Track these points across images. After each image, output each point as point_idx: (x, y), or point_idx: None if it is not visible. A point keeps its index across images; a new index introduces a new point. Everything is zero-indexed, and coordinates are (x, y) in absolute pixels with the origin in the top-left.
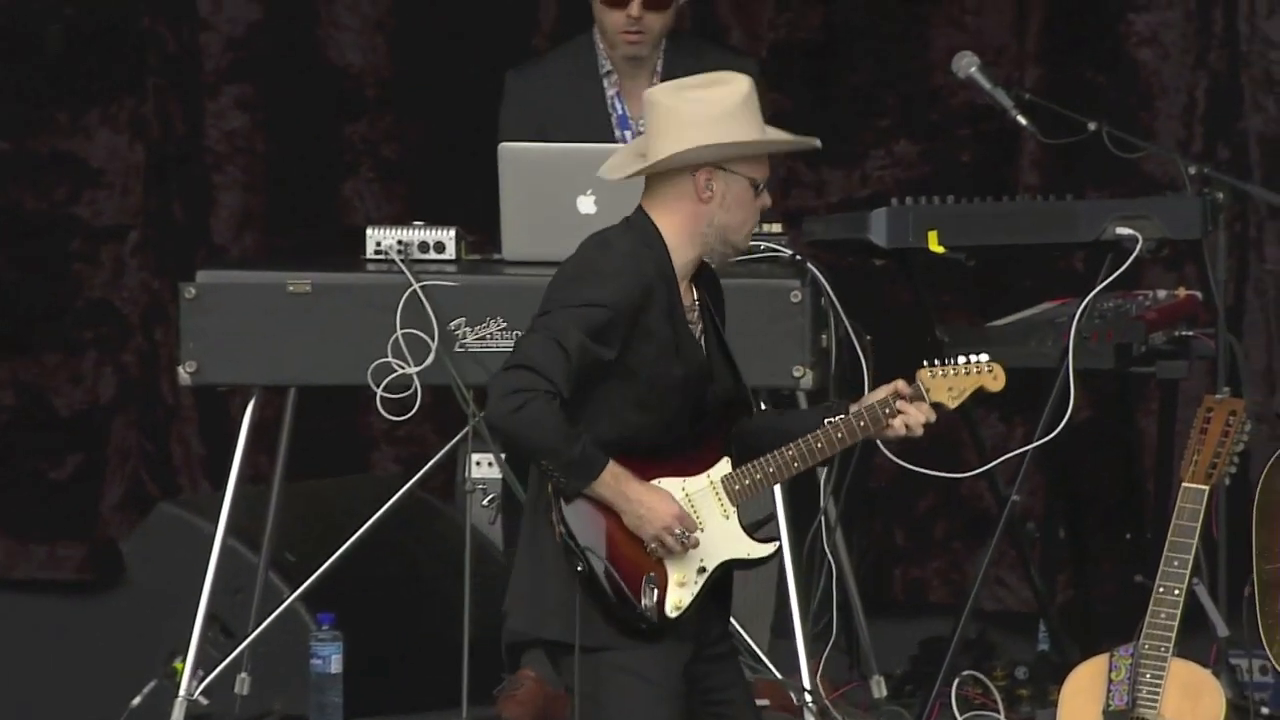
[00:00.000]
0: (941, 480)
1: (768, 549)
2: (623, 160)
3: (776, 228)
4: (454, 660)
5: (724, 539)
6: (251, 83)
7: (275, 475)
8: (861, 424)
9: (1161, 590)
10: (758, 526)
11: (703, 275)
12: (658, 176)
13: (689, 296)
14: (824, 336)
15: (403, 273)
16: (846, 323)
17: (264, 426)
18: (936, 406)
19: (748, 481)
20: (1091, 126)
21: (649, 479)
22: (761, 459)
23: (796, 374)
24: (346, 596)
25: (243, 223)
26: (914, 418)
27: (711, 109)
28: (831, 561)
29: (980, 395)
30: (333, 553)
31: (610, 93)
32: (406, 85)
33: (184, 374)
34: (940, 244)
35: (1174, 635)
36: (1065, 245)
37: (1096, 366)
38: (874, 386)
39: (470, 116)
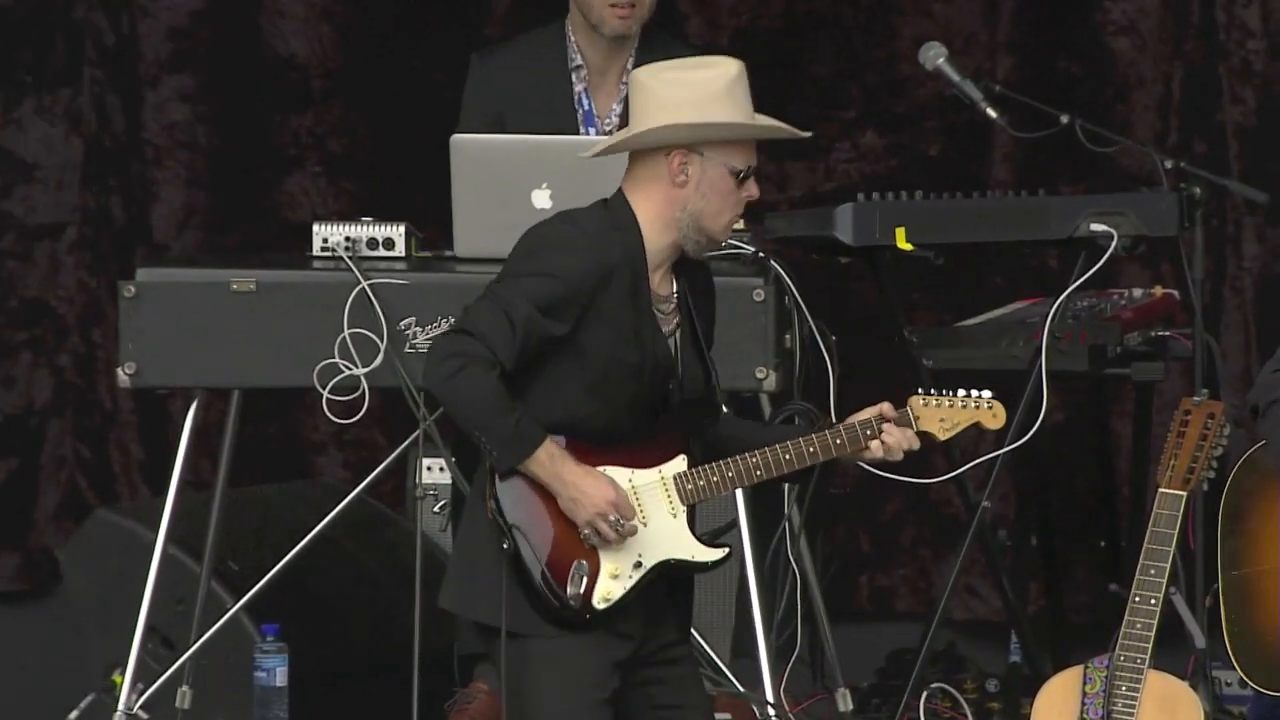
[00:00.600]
0: (909, 485)
1: (714, 554)
2: (604, 141)
3: (738, 224)
4: (404, 673)
5: (667, 537)
6: (193, 74)
7: (218, 481)
8: (838, 441)
9: (1137, 600)
10: (716, 532)
11: (692, 270)
12: (637, 159)
13: (665, 286)
14: (788, 337)
15: (350, 270)
16: (811, 322)
17: (206, 430)
18: (924, 435)
19: (702, 483)
20: (1064, 120)
21: (595, 466)
22: (722, 463)
23: (759, 375)
24: (292, 607)
25: (184, 219)
26: (894, 439)
27: (692, 90)
28: (795, 570)
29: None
30: (278, 561)
31: (578, 88)
32: (354, 76)
33: (123, 376)
34: (908, 241)
35: (1150, 646)
36: (1038, 242)
37: (1070, 368)
38: (840, 389)
39: (420, 108)
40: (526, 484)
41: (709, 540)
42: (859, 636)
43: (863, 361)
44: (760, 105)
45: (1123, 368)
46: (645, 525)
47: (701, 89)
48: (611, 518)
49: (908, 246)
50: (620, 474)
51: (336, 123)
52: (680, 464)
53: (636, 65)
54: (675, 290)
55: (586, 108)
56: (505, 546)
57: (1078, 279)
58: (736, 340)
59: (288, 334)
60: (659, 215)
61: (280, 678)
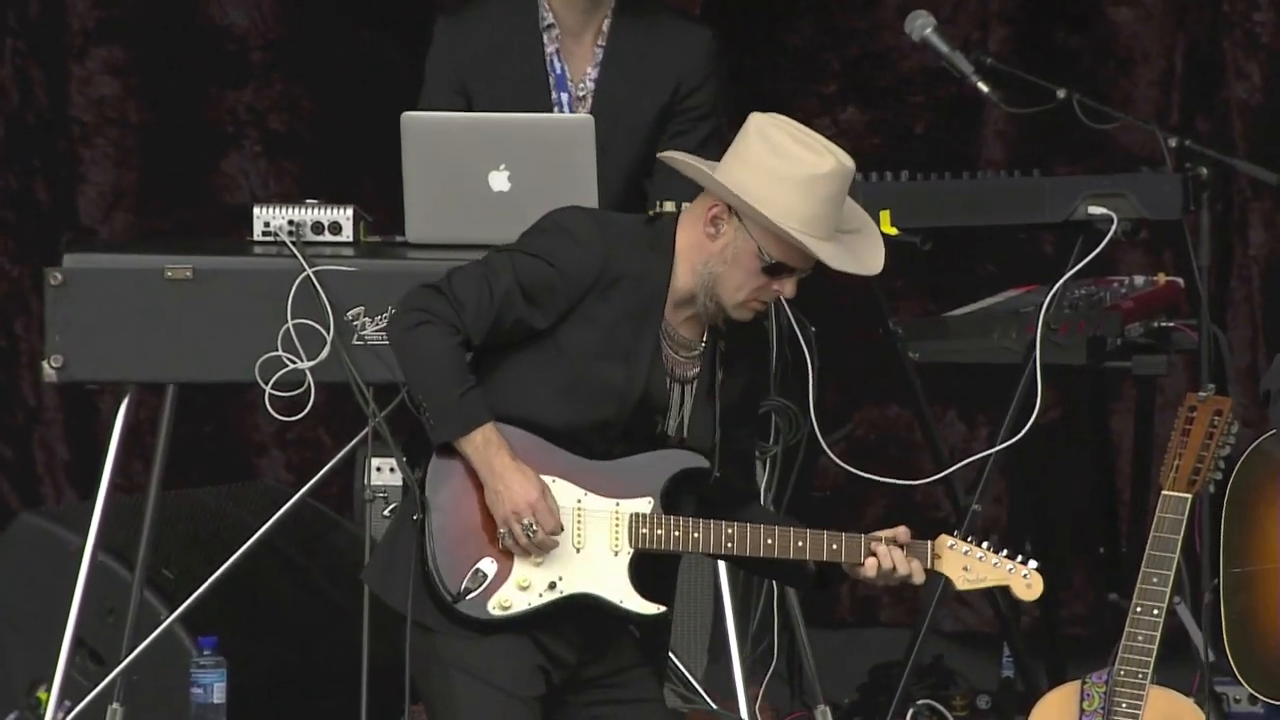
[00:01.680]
0: (893, 487)
1: (646, 607)
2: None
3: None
4: (352, 689)
5: (597, 571)
6: (123, 45)
7: (151, 483)
8: (834, 546)
9: (1139, 610)
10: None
11: (742, 332)
12: (700, 189)
13: (691, 329)
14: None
15: (294, 256)
16: (788, 312)
17: (138, 429)
18: (938, 575)
19: (659, 532)
20: (1061, 94)
21: (547, 475)
22: (694, 521)
23: None
24: (231, 618)
25: (113, 201)
26: (889, 563)
27: (776, 160)
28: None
29: (945, 393)
30: (215, 569)
31: (549, 49)
32: (297, 48)
33: (49, 370)
34: (893, 225)
35: (1153, 660)
36: (1032, 226)
37: (1066, 361)
38: (819, 383)
39: (369, 82)
40: (463, 466)
41: (642, 584)
42: (840, 649)
43: (844, 355)
44: (734, 79)
45: (1123, 361)
46: (578, 550)
47: (784, 164)
48: (525, 520)
49: (893, 230)
50: (569, 490)
51: (278, 98)
52: (643, 504)
53: (613, 28)
54: (704, 343)
55: (559, 71)
56: (415, 517)
57: (1075, 265)
58: None
59: (227, 325)
60: (689, 255)
61: (218, 694)
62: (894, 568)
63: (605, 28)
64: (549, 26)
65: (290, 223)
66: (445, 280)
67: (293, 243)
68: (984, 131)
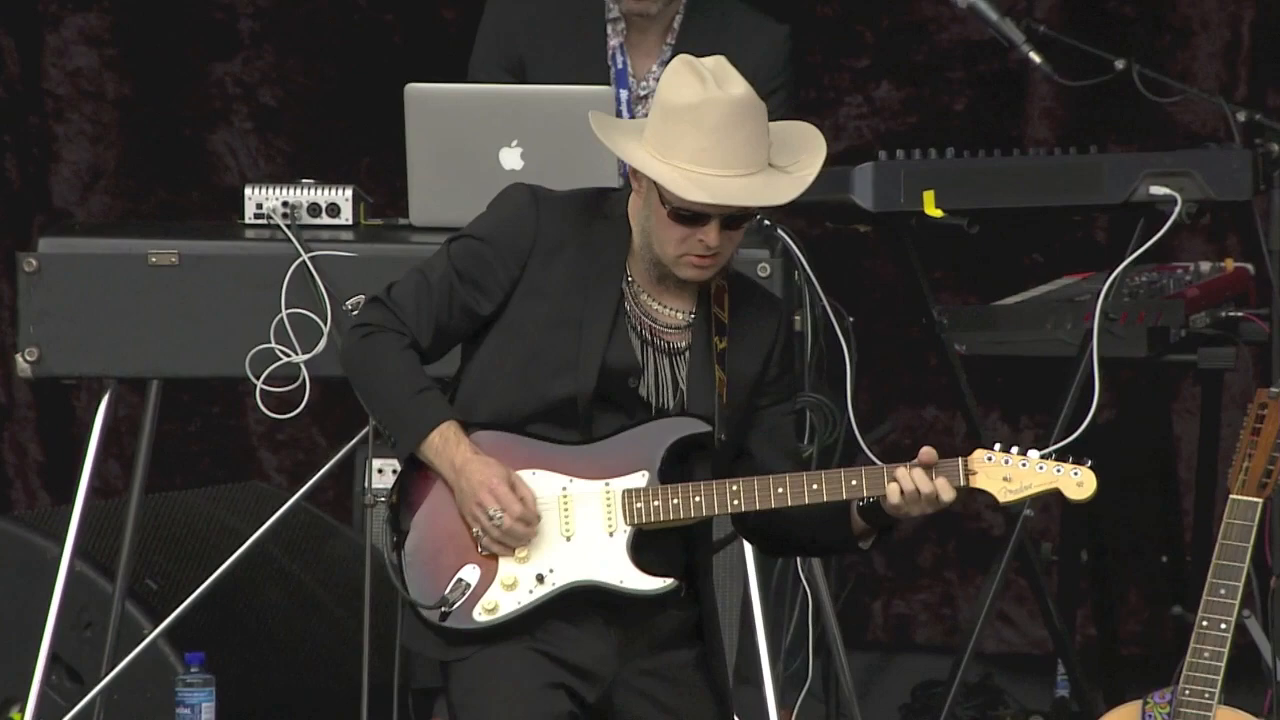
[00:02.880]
0: None
1: (650, 583)
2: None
3: None
4: (351, 710)
5: (592, 556)
6: (100, 12)
7: (133, 486)
8: (854, 482)
9: (1205, 624)
10: (715, 544)
11: (749, 301)
12: None
13: (676, 298)
14: (797, 318)
15: (289, 240)
16: (825, 301)
17: (116, 427)
18: (978, 494)
19: (656, 503)
20: (1119, 65)
21: (526, 468)
22: (692, 485)
23: None
24: (220, 632)
25: (89, 181)
26: (911, 484)
27: (662, 94)
28: (807, 590)
29: (988, 392)
30: (203, 579)
31: (613, 43)
32: (288, 15)
33: (23, 363)
34: (938, 207)
35: (1220, 679)
36: (1088, 208)
37: (1125, 354)
38: (857, 376)
39: (367, 53)
40: (431, 477)
41: (651, 569)
42: (873, 669)
43: (884, 347)
44: None
45: (1187, 354)
46: (568, 539)
47: (669, 95)
48: (491, 510)
49: (937, 213)
50: (551, 480)
51: (269, 70)
52: (637, 479)
53: (685, 23)
54: (695, 311)
55: (620, 66)
56: (395, 540)
57: (1135, 250)
58: None
59: (215, 315)
60: (635, 218)
61: (206, 714)
62: (916, 489)
63: (676, 24)
64: (615, 19)
65: (284, 204)
66: (385, 289)
67: (287, 226)
68: (1029, 109)
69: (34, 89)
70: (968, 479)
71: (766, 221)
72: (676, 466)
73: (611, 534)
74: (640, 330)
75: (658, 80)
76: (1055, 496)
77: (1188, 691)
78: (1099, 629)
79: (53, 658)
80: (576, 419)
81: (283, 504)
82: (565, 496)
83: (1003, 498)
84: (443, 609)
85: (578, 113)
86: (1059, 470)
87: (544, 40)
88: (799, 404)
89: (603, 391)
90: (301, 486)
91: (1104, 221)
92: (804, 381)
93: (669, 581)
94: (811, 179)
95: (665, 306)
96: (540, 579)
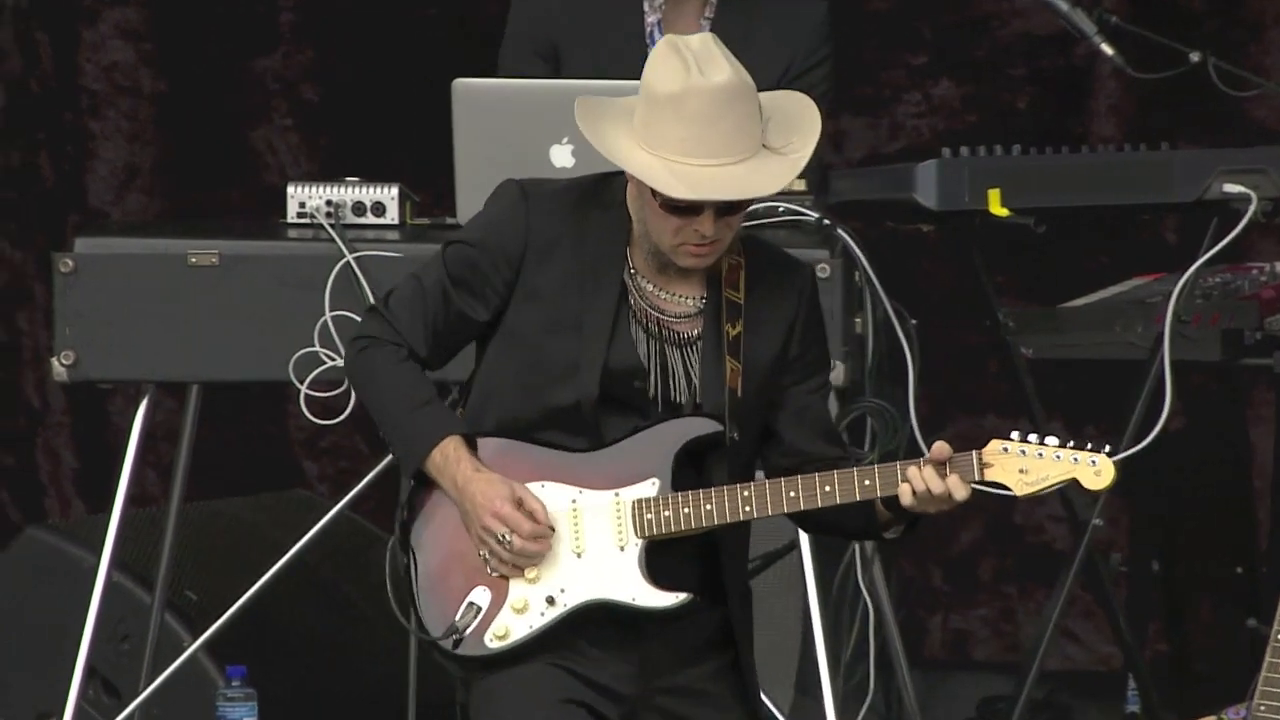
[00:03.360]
0: (990, 507)
1: (662, 599)
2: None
3: (799, 184)
4: None
5: (604, 573)
6: (137, 6)
7: (172, 494)
8: (866, 482)
9: None
10: (772, 555)
11: (766, 279)
12: None
13: (683, 285)
14: (858, 321)
15: (333, 240)
16: (886, 303)
17: (153, 433)
18: (994, 487)
19: (666, 513)
20: (1194, 58)
21: (536, 480)
22: (703, 492)
23: None
24: (261, 645)
25: (126, 180)
26: (923, 484)
27: (647, 79)
28: (868, 600)
29: (1051, 398)
30: (244, 590)
31: (650, 20)
32: (329, 8)
33: (59, 368)
34: (1004, 205)
35: None
36: (1159, 206)
37: (1198, 357)
38: (920, 382)
39: (412, 47)
40: (438, 494)
41: (666, 582)
42: (932, 686)
43: (941, 353)
44: None
45: (1262, 357)
46: (578, 556)
47: (654, 81)
48: (498, 532)
49: (1004, 212)
50: (561, 491)
51: (310, 65)
52: (648, 488)
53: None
54: (705, 296)
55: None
56: (406, 564)
57: (1209, 250)
58: None
59: (257, 317)
60: (633, 206)
61: None
62: (928, 489)
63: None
64: None
65: (328, 203)
66: (383, 297)
67: (331, 225)
68: (1095, 105)
69: (69, 85)
70: (982, 472)
71: (826, 221)
72: (691, 468)
73: (623, 548)
74: (647, 323)
75: None
76: (1120, 508)
77: (1263, 707)
78: (1170, 643)
79: (89, 671)
80: (585, 425)
81: (325, 513)
82: (575, 510)
83: (1020, 491)
84: (454, 637)
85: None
86: (1076, 459)
87: (578, 22)
88: (859, 409)
89: (609, 395)
90: (344, 495)
91: (1173, 222)
92: (864, 386)
93: (682, 597)
94: (805, 162)
95: (673, 294)
96: (551, 601)
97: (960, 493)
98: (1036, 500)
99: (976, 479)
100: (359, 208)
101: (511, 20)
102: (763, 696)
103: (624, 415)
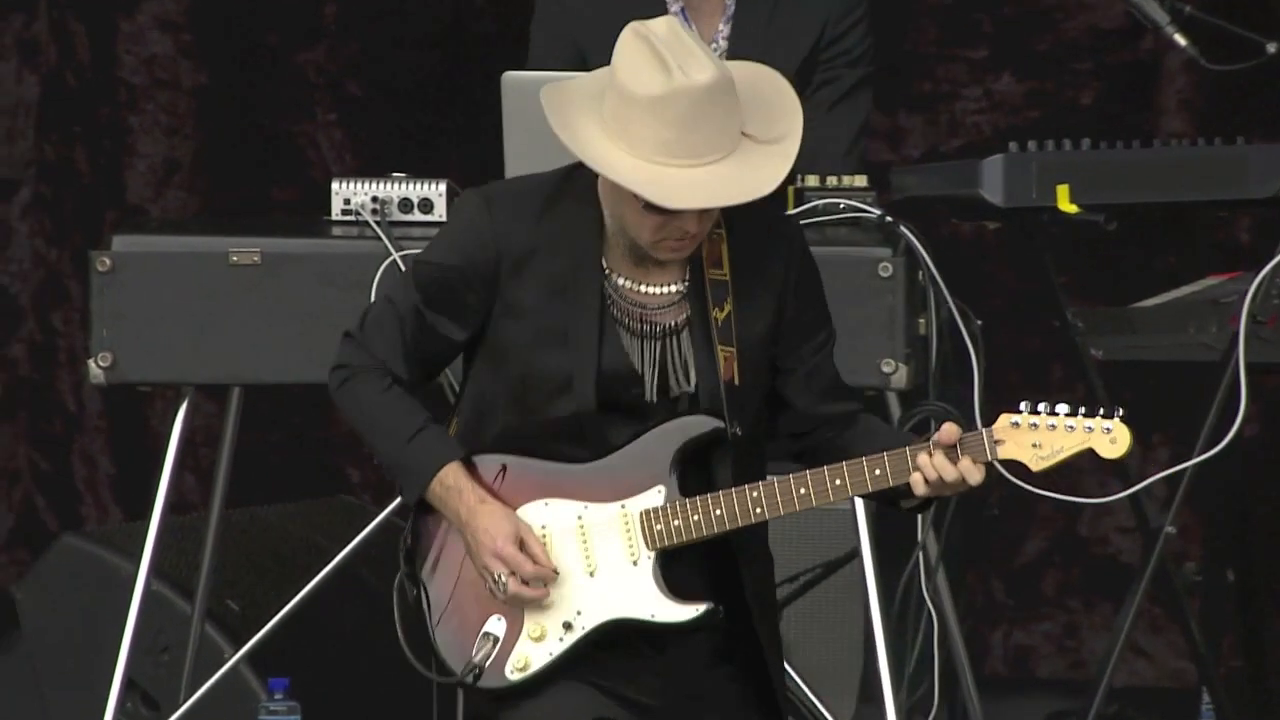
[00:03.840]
0: (1054, 518)
1: (683, 613)
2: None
3: (860, 180)
4: None
5: (619, 590)
6: None
7: (213, 501)
8: (878, 472)
9: None
10: (834, 564)
11: (766, 243)
12: None
13: (662, 272)
14: (921, 321)
15: (379, 238)
16: (951, 303)
17: (194, 438)
18: (1009, 465)
19: (676, 523)
20: (1271, 48)
21: (537, 498)
22: (712, 497)
23: (886, 369)
24: (305, 656)
25: (165, 176)
26: (934, 472)
27: (621, 79)
28: (932, 611)
29: (1117, 403)
30: (287, 600)
31: (673, 8)
32: (375, 1)
33: (96, 370)
34: (1073, 202)
35: None
36: (1234, 203)
37: (1274, 360)
38: (986, 385)
39: (459, 39)
40: (442, 521)
41: (684, 592)
42: (996, 702)
43: (1003, 358)
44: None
45: None
46: (591, 575)
47: (630, 82)
48: (497, 573)
49: (1073, 208)
50: (566, 508)
51: (355, 58)
52: (654, 497)
53: None
54: (688, 279)
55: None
56: (414, 594)
57: None
58: (857, 326)
59: (300, 318)
60: (605, 199)
61: None
62: (940, 476)
63: None
64: None
65: (374, 199)
66: (358, 322)
67: (377, 223)
68: (1164, 100)
69: (106, 77)
70: (995, 451)
71: (888, 218)
72: (697, 466)
73: (635, 563)
74: (630, 324)
75: (726, 39)
76: (1193, 517)
77: None
78: (1246, 658)
79: (128, 683)
80: (586, 435)
81: (370, 520)
82: (582, 527)
83: (1035, 466)
84: (474, 671)
85: None
86: (1090, 428)
87: (602, 16)
88: (921, 412)
89: (607, 402)
90: (390, 502)
91: (1247, 219)
92: (928, 389)
93: (702, 608)
94: (795, 152)
95: (654, 287)
96: (568, 626)
97: (974, 476)
98: (1103, 510)
99: (990, 458)
100: (406, 204)
101: (535, 25)
102: (820, 707)
103: (625, 420)
